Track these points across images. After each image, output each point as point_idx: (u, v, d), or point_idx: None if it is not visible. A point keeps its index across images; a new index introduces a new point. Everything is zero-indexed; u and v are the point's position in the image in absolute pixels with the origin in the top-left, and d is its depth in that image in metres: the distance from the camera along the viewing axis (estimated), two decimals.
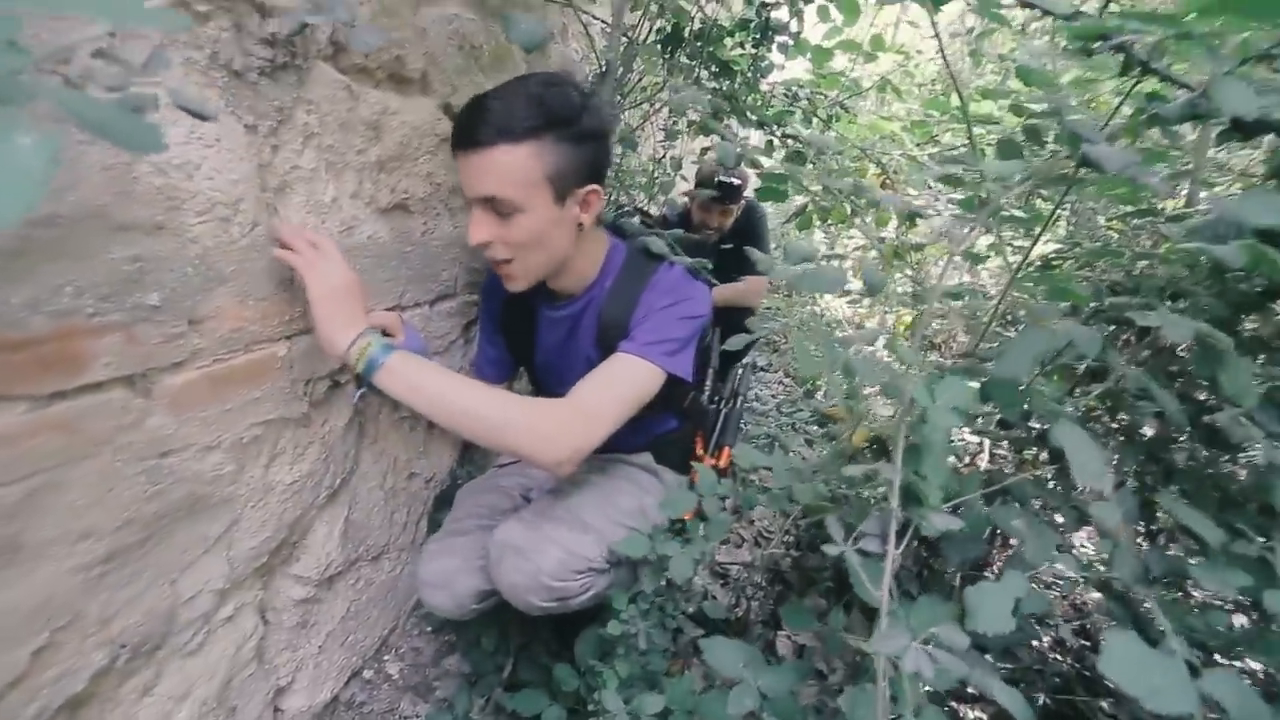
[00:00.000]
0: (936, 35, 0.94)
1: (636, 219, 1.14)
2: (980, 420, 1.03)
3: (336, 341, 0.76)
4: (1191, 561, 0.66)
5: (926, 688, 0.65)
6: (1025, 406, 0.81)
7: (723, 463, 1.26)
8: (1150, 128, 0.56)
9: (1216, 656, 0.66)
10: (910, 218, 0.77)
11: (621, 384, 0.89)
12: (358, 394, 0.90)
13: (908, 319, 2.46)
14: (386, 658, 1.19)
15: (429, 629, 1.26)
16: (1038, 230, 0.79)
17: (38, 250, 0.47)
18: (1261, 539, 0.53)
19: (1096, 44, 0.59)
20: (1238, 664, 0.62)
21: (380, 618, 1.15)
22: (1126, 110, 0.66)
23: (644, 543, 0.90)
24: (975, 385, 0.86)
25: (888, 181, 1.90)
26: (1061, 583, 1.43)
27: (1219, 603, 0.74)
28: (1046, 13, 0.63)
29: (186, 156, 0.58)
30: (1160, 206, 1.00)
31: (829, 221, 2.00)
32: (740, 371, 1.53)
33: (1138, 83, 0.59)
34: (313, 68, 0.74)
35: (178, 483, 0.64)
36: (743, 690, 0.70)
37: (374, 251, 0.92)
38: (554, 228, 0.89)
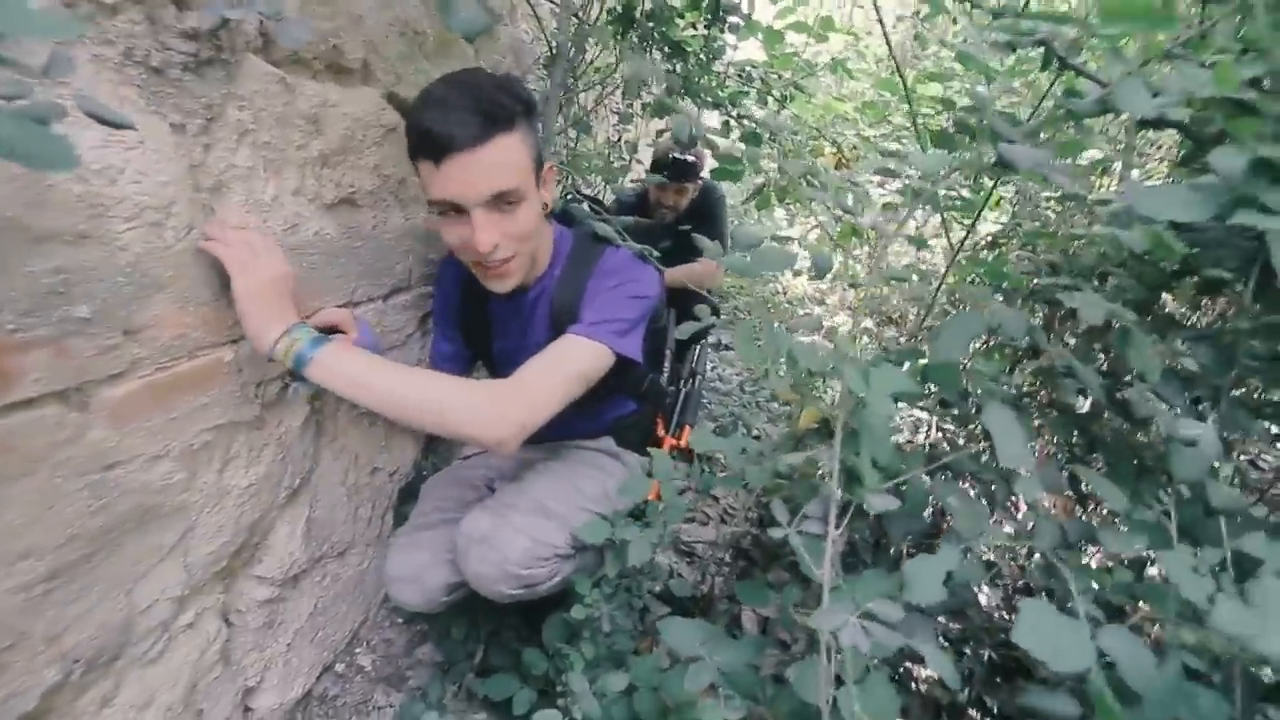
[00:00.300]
0: (880, 20, 0.95)
1: (585, 205, 1.14)
2: (930, 397, 1.07)
3: (262, 339, 0.74)
4: (1117, 525, 0.71)
5: (871, 659, 0.69)
6: (965, 386, 0.85)
7: (684, 442, 1.29)
8: (1065, 122, 0.59)
9: (1134, 607, 0.72)
10: (849, 210, 0.79)
11: (566, 363, 0.89)
12: (296, 389, 0.87)
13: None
14: (358, 650, 1.20)
15: (400, 620, 1.27)
16: (974, 216, 0.82)
17: None
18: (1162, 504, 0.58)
19: (1021, 38, 0.61)
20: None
21: (350, 612, 1.16)
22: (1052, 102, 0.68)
23: (605, 528, 0.92)
24: (923, 363, 0.90)
25: (843, 160, 1.93)
26: (1009, 546, 1.52)
27: (1137, 560, 0.80)
28: (975, 6, 0.65)
29: (107, 161, 0.56)
30: (1088, 190, 1.05)
31: (786, 201, 2.02)
32: (697, 350, 1.56)
33: (1057, 77, 0.62)
34: (242, 61, 0.71)
35: (124, 495, 0.63)
36: (700, 667, 0.74)
37: (322, 248, 0.90)
38: (539, 212, 0.91)
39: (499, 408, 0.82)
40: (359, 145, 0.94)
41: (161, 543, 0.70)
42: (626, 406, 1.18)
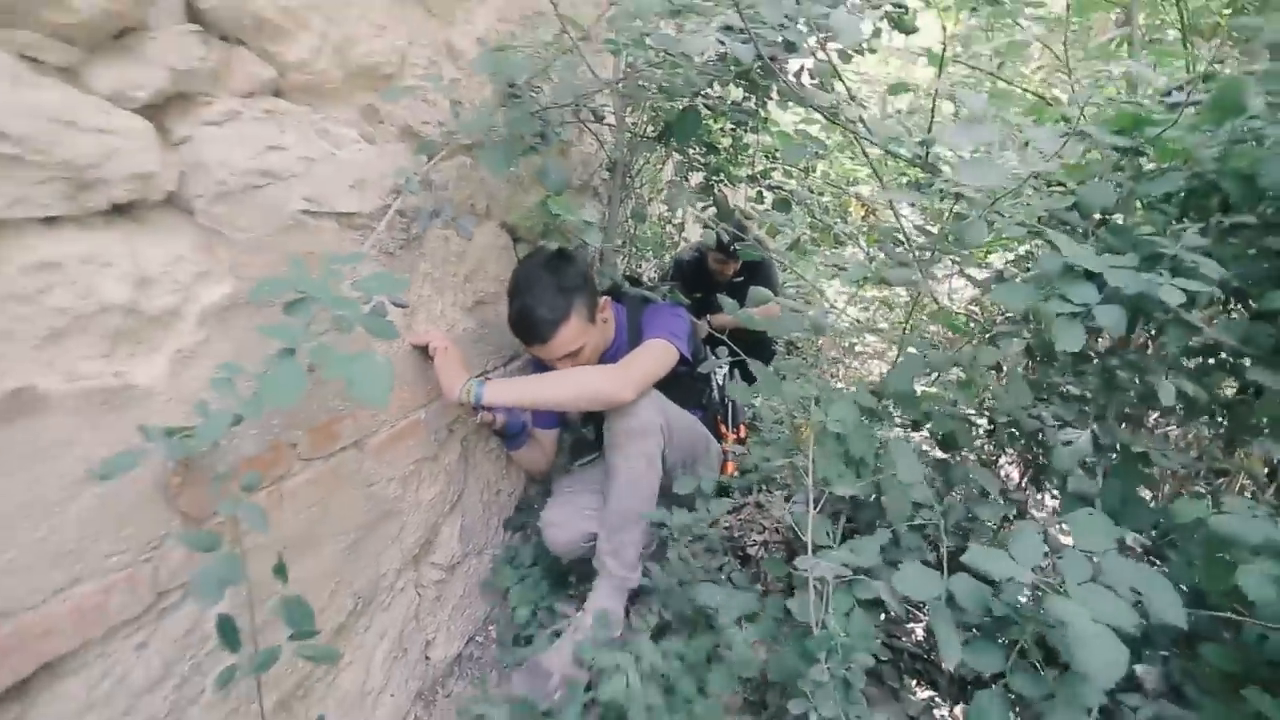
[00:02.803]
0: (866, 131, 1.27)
1: (627, 284, 1.57)
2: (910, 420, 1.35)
3: (452, 392, 1.18)
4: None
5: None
6: (924, 410, 1.14)
7: (742, 434, 1.74)
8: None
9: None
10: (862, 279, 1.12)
11: (647, 351, 1.36)
12: (480, 415, 1.35)
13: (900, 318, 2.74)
14: (491, 627, 1.60)
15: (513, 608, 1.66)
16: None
17: (320, 383, 0.90)
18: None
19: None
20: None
21: (483, 598, 1.57)
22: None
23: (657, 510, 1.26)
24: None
25: (870, 211, 2.21)
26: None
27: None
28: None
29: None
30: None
31: (822, 248, 2.32)
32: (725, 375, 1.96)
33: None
34: (428, 231, 1.16)
35: (377, 503, 1.06)
36: (710, 590, 1.07)
37: (468, 338, 1.33)
38: (598, 338, 1.38)
39: (612, 374, 1.28)
40: (486, 263, 1.38)
41: (389, 533, 1.13)
42: (697, 414, 1.61)
